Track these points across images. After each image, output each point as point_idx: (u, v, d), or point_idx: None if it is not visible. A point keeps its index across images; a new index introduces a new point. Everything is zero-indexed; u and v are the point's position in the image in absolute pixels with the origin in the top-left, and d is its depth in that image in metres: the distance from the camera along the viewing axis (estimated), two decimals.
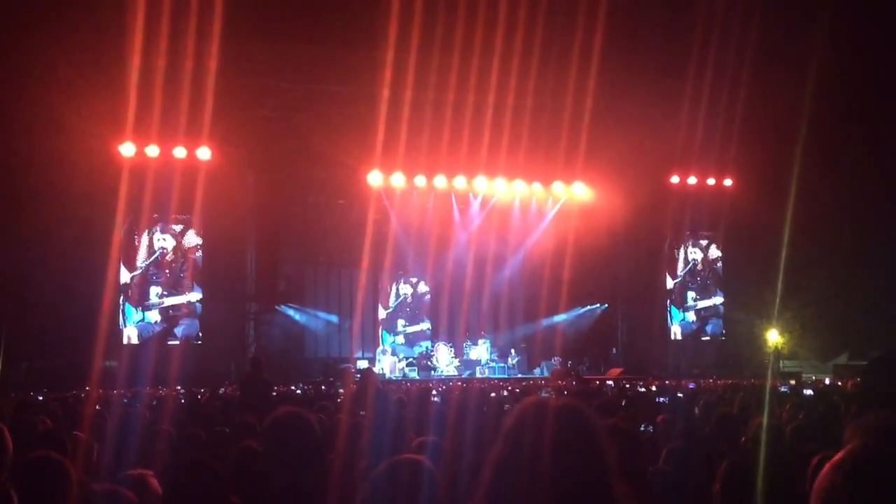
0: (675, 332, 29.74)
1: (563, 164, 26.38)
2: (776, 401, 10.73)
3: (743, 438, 6.37)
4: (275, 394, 12.67)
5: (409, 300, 28.84)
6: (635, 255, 29.88)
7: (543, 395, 12.12)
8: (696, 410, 8.99)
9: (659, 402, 11.56)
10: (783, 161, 21.86)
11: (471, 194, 28.65)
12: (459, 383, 20.78)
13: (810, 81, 20.51)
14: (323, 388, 17.55)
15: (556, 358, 26.80)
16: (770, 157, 24.40)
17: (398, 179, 26.99)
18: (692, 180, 29.03)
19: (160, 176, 23.28)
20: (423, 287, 28.96)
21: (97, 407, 10.31)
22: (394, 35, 20.32)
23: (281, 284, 27.84)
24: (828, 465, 1.91)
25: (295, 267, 28.26)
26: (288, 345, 26.74)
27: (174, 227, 24.79)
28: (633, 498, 2.35)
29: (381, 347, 27.28)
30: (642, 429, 7.47)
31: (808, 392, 12.91)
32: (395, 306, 28.66)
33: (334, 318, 28.30)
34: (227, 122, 23.41)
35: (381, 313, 28.38)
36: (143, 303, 24.35)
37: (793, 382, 17.18)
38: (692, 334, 29.85)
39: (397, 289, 28.73)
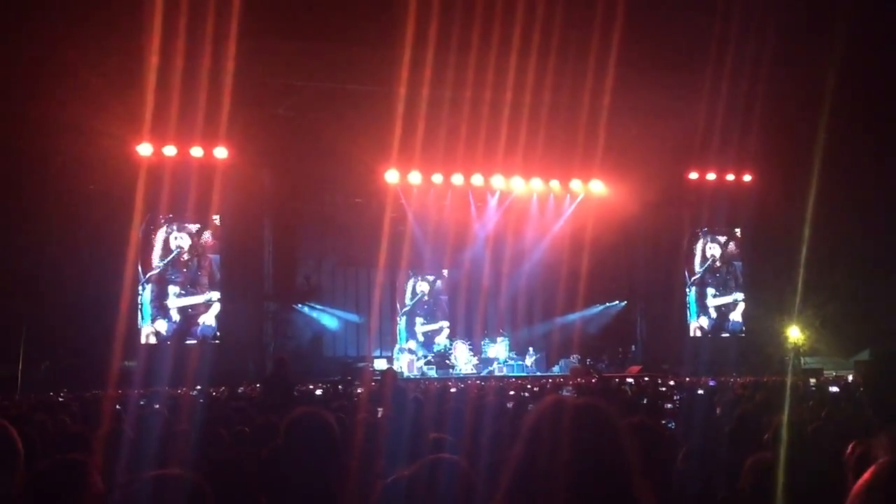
0: (695, 329, 29.60)
1: (581, 160, 26.34)
2: (798, 398, 10.66)
3: (766, 436, 6.31)
4: (296, 393, 12.67)
5: (426, 298, 28.85)
6: (654, 251, 29.79)
7: (564, 393, 12.09)
8: (717, 409, 8.93)
9: (676, 398, 11.49)
10: (803, 156, 21.68)
11: (488, 192, 28.61)
12: (478, 382, 20.75)
13: (830, 76, 20.36)
14: (340, 387, 17.49)
15: (574, 356, 26.77)
16: (790, 153, 24.24)
17: (415, 177, 27.01)
18: (711, 176, 28.90)
19: (177, 175, 23.40)
20: (440, 285, 28.97)
21: (116, 407, 10.34)
22: (410, 33, 20.33)
23: (298, 283, 27.88)
24: (860, 485, 1.88)
25: (312, 265, 28.30)
26: (306, 344, 26.81)
27: (191, 226, 24.88)
28: (654, 496, 2.33)
29: (398, 346, 27.29)
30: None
31: (834, 389, 12.81)
32: (413, 304, 28.67)
33: (352, 317, 28.33)
34: (243, 122, 23.50)
35: (399, 311, 28.39)
36: (161, 302, 24.44)
37: (813, 381, 17.05)
38: (712, 331, 29.71)
39: (414, 286, 28.74)
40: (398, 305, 28.52)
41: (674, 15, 23.16)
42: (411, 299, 28.67)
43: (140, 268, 24.02)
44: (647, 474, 2.28)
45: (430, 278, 28.87)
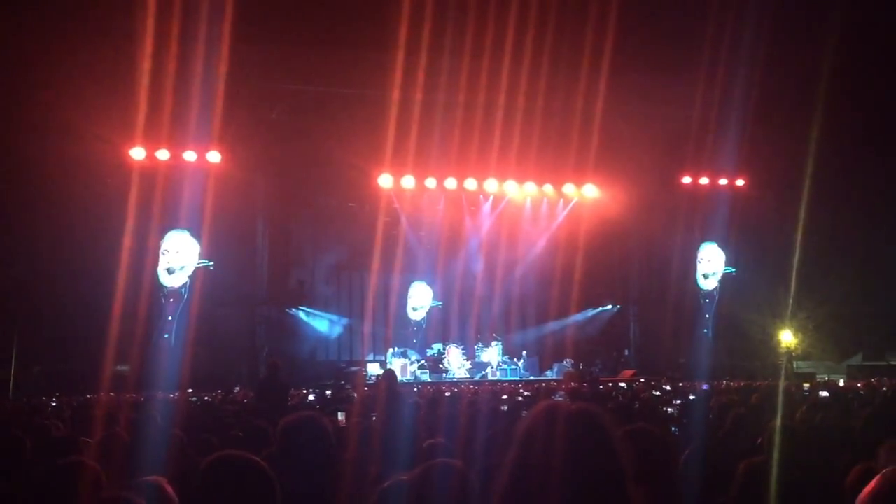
0: (688, 332, 29.59)
1: (574, 165, 26.34)
2: (791, 402, 10.66)
3: (759, 440, 6.31)
4: (290, 399, 12.65)
5: (425, 312, 29.00)
6: (647, 255, 29.83)
7: (557, 398, 12.08)
8: (711, 414, 8.93)
9: (676, 403, 11.48)
10: (796, 160, 21.75)
11: (481, 196, 28.63)
12: (471, 386, 20.74)
13: (823, 80, 20.41)
14: (329, 393, 17.37)
15: (568, 360, 26.74)
16: (783, 157, 24.30)
17: (408, 181, 26.99)
18: (704, 180, 28.94)
19: (170, 179, 23.36)
20: (435, 291, 29.00)
21: (108, 411, 10.30)
22: (404, 37, 20.30)
23: (291, 287, 27.83)
24: (865, 494, 1.88)
25: (305, 270, 28.26)
26: (299, 348, 26.76)
27: (184, 229, 24.78)
28: (651, 501, 2.34)
29: (391, 350, 27.23)
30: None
31: (824, 394, 12.83)
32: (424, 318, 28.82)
33: (345, 321, 28.29)
34: (236, 126, 23.51)
35: (393, 317, 28.31)
36: (153, 306, 24.33)
37: (806, 385, 17.08)
38: (705, 335, 29.71)
39: (413, 301, 28.88)
40: (409, 317, 28.57)
41: (666, 19, 23.20)
42: (421, 314, 28.78)
43: (133, 271, 23.90)
44: (644, 479, 2.28)
45: (426, 286, 28.92)
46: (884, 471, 2.03)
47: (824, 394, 12.91)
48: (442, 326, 28.76)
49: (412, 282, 28.81)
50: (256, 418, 8.32)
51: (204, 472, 3.00)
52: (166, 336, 24.46)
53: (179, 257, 24.90)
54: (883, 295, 26.16)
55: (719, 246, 29.88)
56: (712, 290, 30.07)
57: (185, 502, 3.89)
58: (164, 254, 24.70)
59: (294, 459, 3.69)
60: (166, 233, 24.58)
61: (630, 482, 2.22)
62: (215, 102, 21.52)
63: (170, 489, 4.03)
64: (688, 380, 21.44)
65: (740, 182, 29.09)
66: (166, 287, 24.83)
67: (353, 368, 25.40)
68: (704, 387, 16.79)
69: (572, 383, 20.65)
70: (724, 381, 20.54)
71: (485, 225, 28.72)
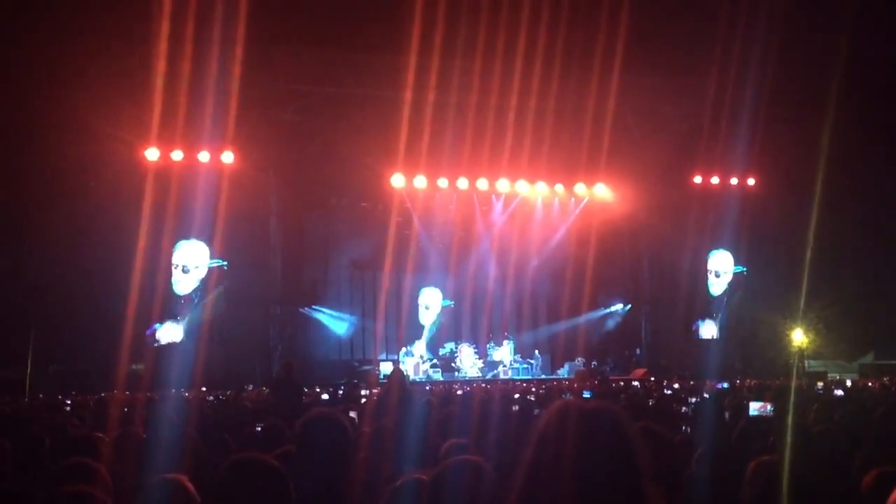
0: (699, 331, 29.54)
1: (585, 165, 26.36)
2: (803, 401, 10.66)
3: (771, 439, 6.33)
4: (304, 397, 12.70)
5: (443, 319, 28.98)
6: (658, 255, 29.75)
7: (567, 396, 12.09)
8: (727, 413, 8.95)
9: (691, 401, 11.48)
10: (807, 159, 21.67)
11: (493, 196, 28.63)
12: (483, 385, 20.75)
13: (834, 79, 20.33)
14: (340, 392, 17.32)
15: (579, 358, 26.75)
16: (794, 156, 24.20)
17: (421, 181, 27.02)
18: (715, 180, 28.86)
19: (184, 180, 23.41)
20: (447, 290, 28.97)
21: (124, 409, 10.36)
22: (416, 38, 20.30)
23: (304, 287, 27.86)
24: None
25: (318, 269, 28.29)
26: (312, 347, 26.80)
27: (198, 229, 24.81)
28: (666, 501, 2.34)
29: (404, 349, 27.25)
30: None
31: (839, 392, 12.82)
32: (435, 324, 28.79)
33: (357, 320, 28.30)
34: (250, 126, 23.54)
35: (405, 316, 28.28)
36: (167, 305, 24.41)
37: (820, 384, 17.05)
38: (716, 334, 29.65)
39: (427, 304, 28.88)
40: (422, 322, 28.61)
41: (677, 19, 23.15)
42: (425, 316, 28.76)
43: (147, 271, 23.97)
44: (658, 478, 2.29)
45: (439, 290, 28.89)
46: None
47: (839, 392, 12.90)
48: (454, 325, 28.75)
49: (422, 286, 28.74)
50: (272, 416, 8.36)
51: (223, 474, 3.02)
52: (181, 335, 24.58)
53: (193, 258, 24.96)
54: (894, 294, 26.03)
55: (729, 248, 29.72)
56: (723, 290, 30.01)
57: (203, 501, 3.93)
58: (177, 254, 24.76)
59: (312, 456, 3.70)
60: (179, 241, 24.58)
61: (647, 480, 2.22)
62: (229, 103, 21.57)
63: (190, 486, 4.08)
64: (699, 379, 21.39)
65: (751, 181, 29.01)
66: (179, 294, 24.92)
67: (366, 367, 25.42)
68: (718, 385, 16.76)
69: (584, 382, 20.65)
70: (737, 381, 20.49)
71: (497, 224, 28.73)
